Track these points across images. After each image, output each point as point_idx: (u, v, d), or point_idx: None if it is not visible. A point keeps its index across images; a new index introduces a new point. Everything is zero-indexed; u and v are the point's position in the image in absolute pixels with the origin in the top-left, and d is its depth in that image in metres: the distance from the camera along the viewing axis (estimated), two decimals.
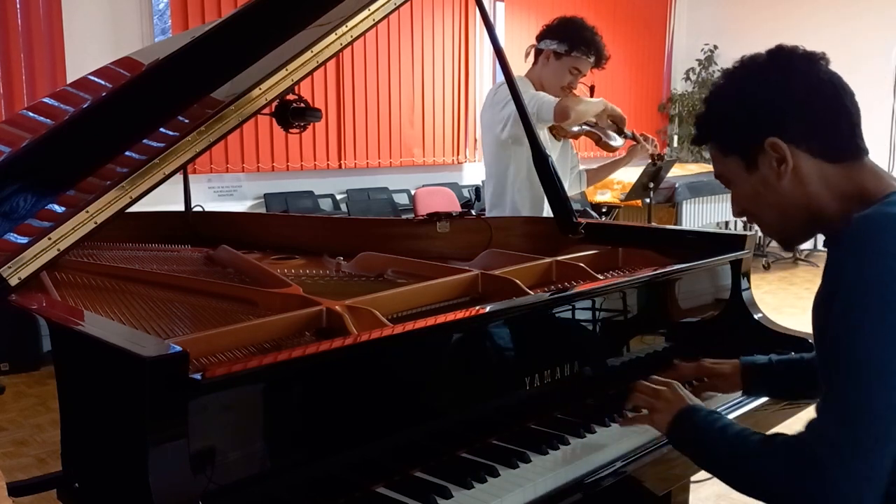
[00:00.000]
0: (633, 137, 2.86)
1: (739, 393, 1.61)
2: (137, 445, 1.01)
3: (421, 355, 1.35)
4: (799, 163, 1.19)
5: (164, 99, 1.61)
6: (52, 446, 1.20)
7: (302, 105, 2.18)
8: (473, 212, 2.97)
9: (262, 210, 5.83)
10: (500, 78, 2.56)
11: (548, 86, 2.74)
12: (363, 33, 1.84)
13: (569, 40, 2.67)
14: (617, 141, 2.85)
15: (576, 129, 2.76)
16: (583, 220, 2.16)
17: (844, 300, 1.07)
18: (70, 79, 4.61)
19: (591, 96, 2.83)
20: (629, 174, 5.09)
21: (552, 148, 2.74)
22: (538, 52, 2.77)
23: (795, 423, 1.18)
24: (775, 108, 1.19)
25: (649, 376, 1.45)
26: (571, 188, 2.92)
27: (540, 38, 2.75)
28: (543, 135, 2.67)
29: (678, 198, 6.48)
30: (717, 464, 1.23)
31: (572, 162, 2.96)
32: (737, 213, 1.32)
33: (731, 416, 1.57)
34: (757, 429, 1.23)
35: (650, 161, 3.16)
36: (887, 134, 7.59)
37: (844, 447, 1.04)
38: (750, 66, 1.24)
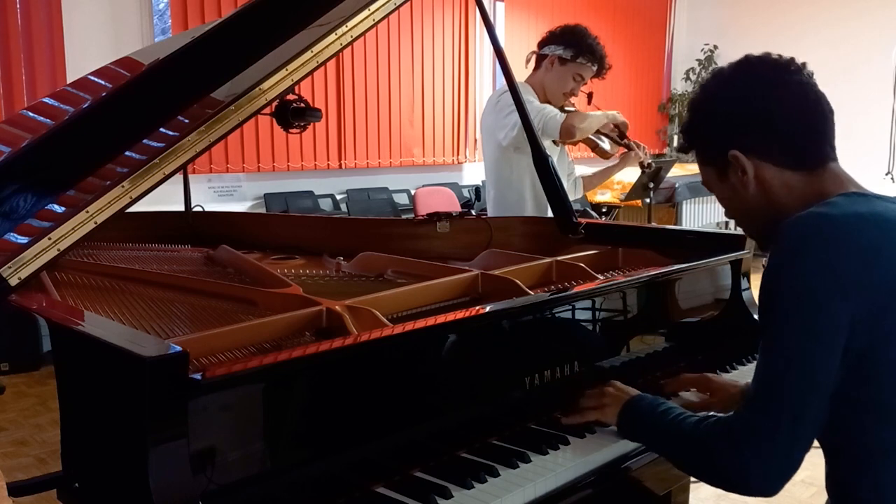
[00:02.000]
0: (627, 145, 2.88)
1: None
2: (137, 445, 1.01)
3: (421, 355, 1.35)
4: (761, 173, 1.24)
5: (164, 99, 1.61)
6: (52, 446, 1.20)
7: (302, 105, 2.18)
8: (473, 212, 2.97)
9: (262, 210, 5.83)
10: (501, 78, 2.57)
11: (550, 91, 2.76)
12: (363, 33, 1.84)
13: (574, 46, 2.69)
14: (612, 147, 2.88)
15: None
16: (583, 220, 2.16)
17: (763, 295, 1.16)
18: (70, 79, 4.61)
19: (590, 103, 2.86)
20: (629, 174, 5.09)
21: (551, 153, 2.75)
22: (540, 58, 2.78)
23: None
24: (735, 121, 1.25)
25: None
26: (568, 195, 2.93)
27: (544, 43, 2.77)
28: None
29: (678, 198, 6.48)
30: (661, 446, 1.32)
31: (569, 168, 2.98)
32: (726, 216, 1.38)
33: None
34: None
35: (641, 169, 3.21)
36: (887, 134, 7.58)
37: (754, 426, 1.13)
38: (718, 78, 1.30)
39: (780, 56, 1.26)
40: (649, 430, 1.33)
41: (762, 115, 1.22)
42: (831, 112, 1.24)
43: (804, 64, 1.25)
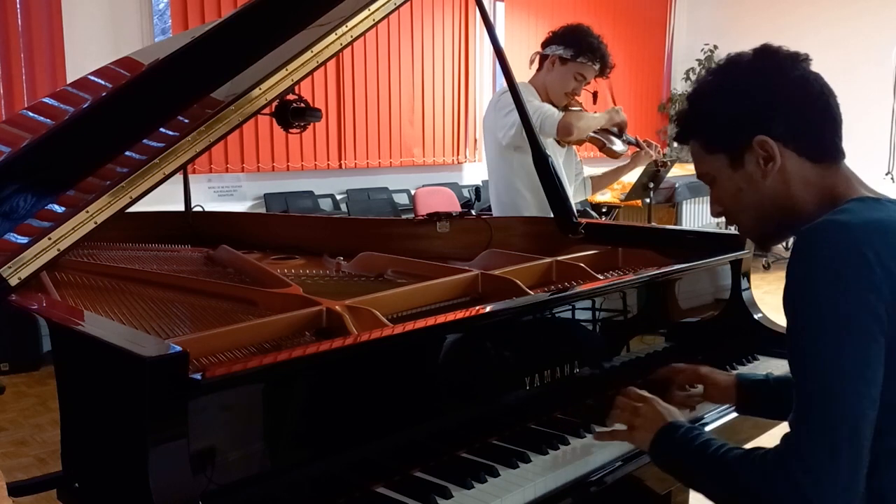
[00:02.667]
0: (637, 143, 2.88)
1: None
2: (137, 445, 1.01)
3: (421, 355, 1.35)
4: (785, 161, 1.20)
5: (164, 99, 1.61)
6: (52, 446, 1.20)
7: (302, 105, 2.18)
8: (473, 212, 2.97)
9: (262, 210, 5.82)
10: (501, 79, 2.57)
11: (552, 91, 2.75)
12: (363, 33, 1.84)
13: (575, 46, 2.68)
14: (621, 147, 2.87)
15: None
16: (583, 220, 2.16)
17: (794, 312, 1.10)
18: (70, 79, 4.61)
19: (595, 103, 2.85)
20: (629, 174, 5.09)
21: (557, 154, 2.75)
22: (543, 58, 2.78)
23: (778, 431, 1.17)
24: (765, 105, 1.20)
25: (628, 388, 1.42)
26: (576, 195, 2.94)
27: (546, 44, 2.77)
28: (549, 140, 2.68)
29: (678, 198, 6.48)
30: (699, 481, 1.22)
31: (577, 168, 2.97)
32: (715, 213, 1.32)
33: (719, 422, 1.57)
34: (740, 438, 1.22)
35: (654, 167, 3.19)
36: (887, 134, 7.59)
37: (812, 457, 1.05)
38: (738, 63, 1.25)
39: (788, 49, 1.24)
40: (687, 462, 1.23)
41: (793, 100, 1.19)
42: (840, 109, 1.22)
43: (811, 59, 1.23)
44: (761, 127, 1.19)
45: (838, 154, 1.22)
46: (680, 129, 1.32)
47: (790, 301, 1.10)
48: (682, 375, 1.59)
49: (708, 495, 1.22)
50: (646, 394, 1.39)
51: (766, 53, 1.24)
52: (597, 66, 2.72)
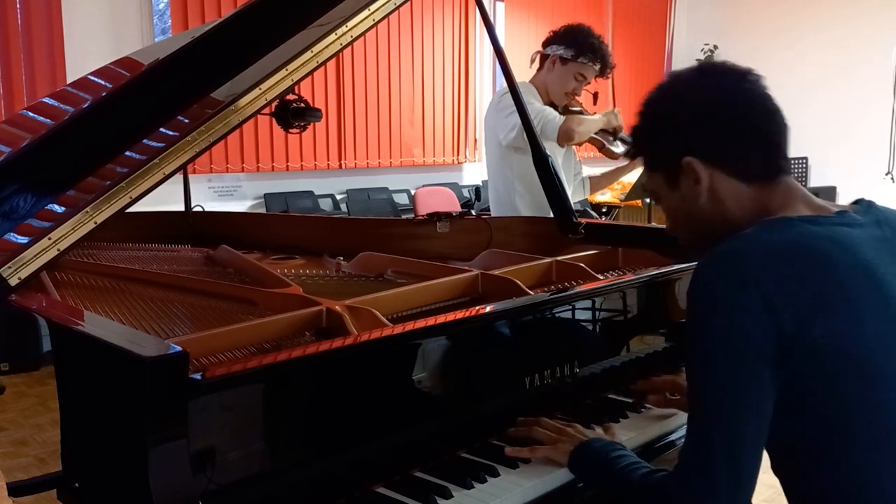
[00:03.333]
0: None
1: None
2: (137, 445, 1.01)
3: (421, 355, 1.35)
4: (715, 183, 1.19)
5: (164, 99, 1.61)
6: (52, 446, 1.20)
7: (302, 105, 2.18)
8: (473, 212, 2.97)
9: (262, 210, 5.82)
10: (501, 79, 2.57)
11: (552, 91, 2.76)
12: (363, 33, 1.84)
13: (575, 46, 2.69)
14: (620, 147, 2.87)
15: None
16: (583, 220, 2.16)
17: (685, 338, 1.13)
18: (70, 79, 4.61)
19: (595, 104, 2.85)
20: (629, 174, 5.09)
21: (557, 154, 2.75)
22: (544, 58, 2.78)
23: None
24: (696, 130, 1.19)
25: (544, 420, 1.43)
26: (575, 195, 2.94)
27: (547, 43, 2.77)
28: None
29: None
30: (610, 494, 1.26)
31: (576, 168, 2.98)
32: (668, 228, 1.32)
33: None
34: None
35: None
36: (887, 134, 7.58)
37: (691, 485, 1.09)
38: (677, 81, 1.26)
39: (735, 64, 1.22)
40: (599, 474, 1.27)
41: (723, 120, 1.18)
42: (786, 126, 1.21)
43: (759, 75, 1.21)
44: (689, 149, 1.19)
45: (772, 173, 1.19)
46: (631, 144, 1.34)
47: (685, 326, 1.14)
48: (659, 384, 1.62)
49: None
50: (568, 423, 1.42)
51: (704, 71, 1.24)
52: (597, 67, 2.72)
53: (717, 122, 1.18)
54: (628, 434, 1.46)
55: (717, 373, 1.08)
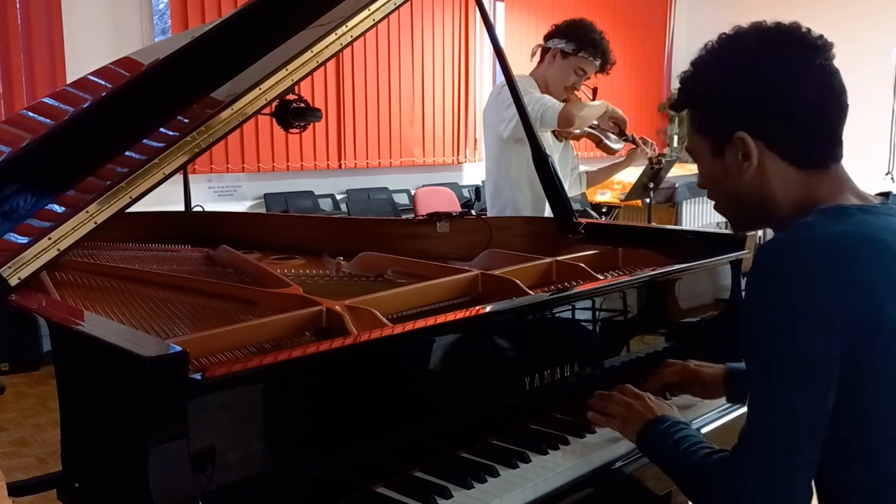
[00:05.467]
0: (633, 140, 2.88)
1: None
2: (137, 445, 1.01)
3: (421, 355, 1.35)
4: (765, 162, 1.15)
5: (164, 99, 1.61)
6: (52, 446, 1.20)
7: (302, 105, 2.17)
8: (473, 212, 2.97)
9: (262, 210, 5.82)
10: (501, 78, 2.57)
11: (552, 85, 2.75)
12: (363, 33, 1.84)
13: (577, 40, 2.68)
14: (617, 143, 2.87)
15: (578, 131, 2.78)
16: (583, 220, 2.16)
17: (747, 332, 1.12)
18: (70, 79, 4.61)
19: (594, 99, 2.84)
20: (629, 174, 5.09)
21: (554, 149, 2.75)
22: (545, 51, 2.78)
23: None
24: (757, 103, 1.13)
25: (625, 385, 1.46)
26: (572, 189, 2.93)
27: (548, 37, 2.76)
28: (546, 135, 2.68)
29: (678, 198, 6.47)
30: (674, 475, 1.26)
31: (573, 163, 2.98)
32: (700, 185, 1.28)
33: (719, 422, 1.58)
34: None
35: (649, 164, 3.20)
36: (887, 134, 7.58)
37: (746, 469, 1.09)
38: (742, 45, 1.17)
39: (809, 31, 1.14)
40: (663, 456, 1.28)
41: (786, 101, 1.11)
42: (847, 108, 1.15)
43: (832, 45, 1.13)
44: (746, 124, 1.14)
45: (828, 160, 1.15)
46: (678, 95, 1.24)
47: (745, 318, 1.12)
48: (669, 376, 1.61)
49: (680, 488, 1.27)
50: (640, 391, 1.43)
51: (774, 40, 1.15)
52: (598, 62, 2.72)
53: (779, 103, 1.12)
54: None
55: (780, 360, 1.06)
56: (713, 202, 1.27)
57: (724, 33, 1.19)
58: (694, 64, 1.21)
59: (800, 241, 1.09)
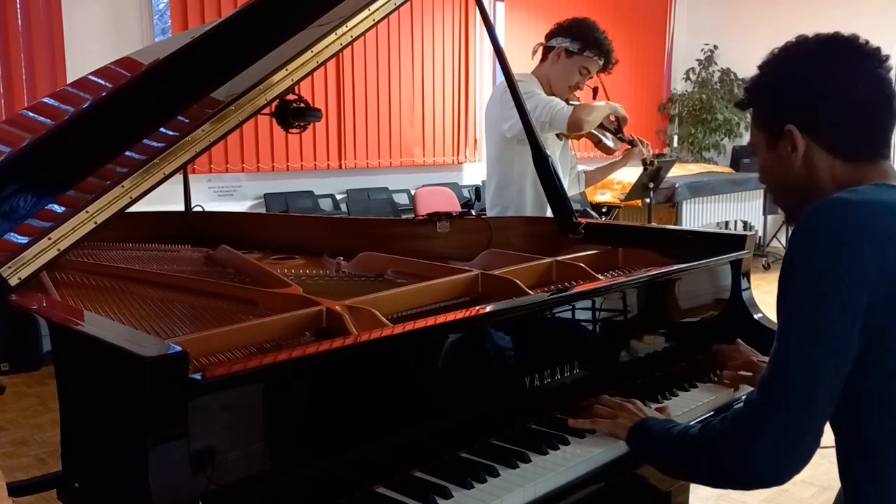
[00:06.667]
0: (630, 141, 2.89)
1: None
2: (137, 445, 1.01)
3: (421, 355, 1.35)
4: (812, 154, 1.24)
5: (164, 99, 1.61)
6: (52, 446, 1.20)
7: (302, 105, 2.17)
8: (473, 212, 2.97)
9: (262, 210, 5.82)
10: (501, 78, 2.57)
11: (555, 84, 2.75)
12: (363, 33, 1.84)
13: (582, 39, 2.68)
14: (614, 144, 2.88)
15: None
16: (583, 220, 2.16)
17: (785, 276, 1.17)
18: (70, 79, 4.61)
19: (595, 98, 2.85)
20: (629, 174, 5.09)
21: (554, 147, 2.75)
22: (547, 50, 2.77)
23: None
24: (807, 101, 1.23)
25: (605, 397, 1.51)
26: (570, 189, 2.93)
27: (551, 35, 2.76)
28: (548, 134, 2.68)
29: (678, 198, 6.47)
30: (670, 460, 1.32)
31: (571, 162, 2.98)
32: (759, 179, 1.37)
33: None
34: None
35: (643, 166, 3.22)
36: None
37: (767, 413, 1.14)
38: (801, 47, 1.27)
39: (867, 42, 1.23)
40: (658, 445, 1.33)
41: (833, 101, 1.21)
42: None
43: (887, 56, 1.22)
44: (796, 118, 1.23)
45: (875, 156, 1.23)
46: (743, 95, 1.35)
47: (785, 265, 1.16)
48: (736, 362, 1.69)
49: (680, 473, 1.34)
50: (630, 399, 1.50)
51: (831, 44, 1.24)
52: (601, 61, 2.72)
53: (829, 103, 1.21)
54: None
55: (815, 314, 1.12)
56: (772, 197, 1.37)
57: (789, 41, 1.29)
58: (759, 66, 1.32)
59: (851, 198, 1.15)
